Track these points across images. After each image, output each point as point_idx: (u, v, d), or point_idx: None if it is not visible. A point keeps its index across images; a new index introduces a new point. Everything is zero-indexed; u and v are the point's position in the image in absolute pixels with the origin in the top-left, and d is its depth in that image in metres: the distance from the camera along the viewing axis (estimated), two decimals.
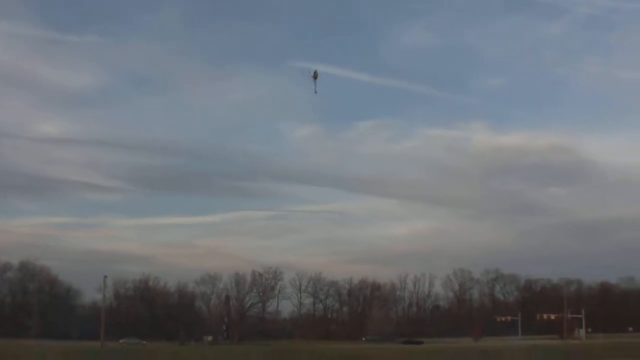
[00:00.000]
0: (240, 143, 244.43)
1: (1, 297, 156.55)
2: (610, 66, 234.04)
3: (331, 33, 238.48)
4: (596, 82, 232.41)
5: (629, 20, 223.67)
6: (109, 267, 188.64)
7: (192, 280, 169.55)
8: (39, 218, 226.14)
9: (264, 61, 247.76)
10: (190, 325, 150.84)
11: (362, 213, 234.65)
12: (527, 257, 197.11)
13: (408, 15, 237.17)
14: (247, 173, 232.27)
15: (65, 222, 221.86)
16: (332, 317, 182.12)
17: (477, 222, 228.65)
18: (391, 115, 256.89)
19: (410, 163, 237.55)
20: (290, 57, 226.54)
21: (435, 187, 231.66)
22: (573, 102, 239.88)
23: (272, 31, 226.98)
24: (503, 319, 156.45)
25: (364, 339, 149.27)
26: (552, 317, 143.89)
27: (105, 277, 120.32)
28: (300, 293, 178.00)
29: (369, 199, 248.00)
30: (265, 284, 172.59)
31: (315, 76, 49.81)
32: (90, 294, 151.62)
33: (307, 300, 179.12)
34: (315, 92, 50.18)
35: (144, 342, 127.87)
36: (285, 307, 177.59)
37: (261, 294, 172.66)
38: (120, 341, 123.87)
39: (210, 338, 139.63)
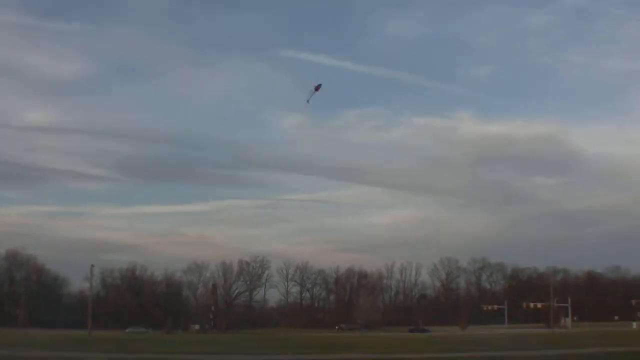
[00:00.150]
0: (227, 131, 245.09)
1: None
2: (596, 55, 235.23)
3: (317, 21, 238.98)
4: (582, 71, 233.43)
5: (614, 9, 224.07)
6: (96, 256, 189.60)
7: (179, 269, 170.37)
8: (26, 207, 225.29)
9: (250, 49, 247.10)
10: (177, 314, 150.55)
11: (350, 202, 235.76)
12: (513, 246, 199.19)
13: (395, 4, 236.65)
14: (234, 161, 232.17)
15: (51, 211, 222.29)
16: (319, 306, 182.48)
17: (464, 211, 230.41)
18: (378, 104, 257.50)
19: (397, 152, 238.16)
20: (277, 45, 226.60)
21: (422, 176, 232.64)
22: (559, 92, 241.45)
23: (258, 19, 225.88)
24: (490, 307, 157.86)
25: (337, 327, 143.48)
26: (539, 305, 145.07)
27: (93, 266, 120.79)
28: (287, 282, 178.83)
29: (357, 187, 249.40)
30: (252, 272, 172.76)
31: (317, 89, 49.72)
32: (78, 282, 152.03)
33: (294, 289, 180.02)
34: (308, 102, 50.25)
35: (150, 331, 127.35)
36: (273, 295, 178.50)
37: (248, 282, 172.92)
38: (127, 330, 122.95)
39: (197, 327, 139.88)
